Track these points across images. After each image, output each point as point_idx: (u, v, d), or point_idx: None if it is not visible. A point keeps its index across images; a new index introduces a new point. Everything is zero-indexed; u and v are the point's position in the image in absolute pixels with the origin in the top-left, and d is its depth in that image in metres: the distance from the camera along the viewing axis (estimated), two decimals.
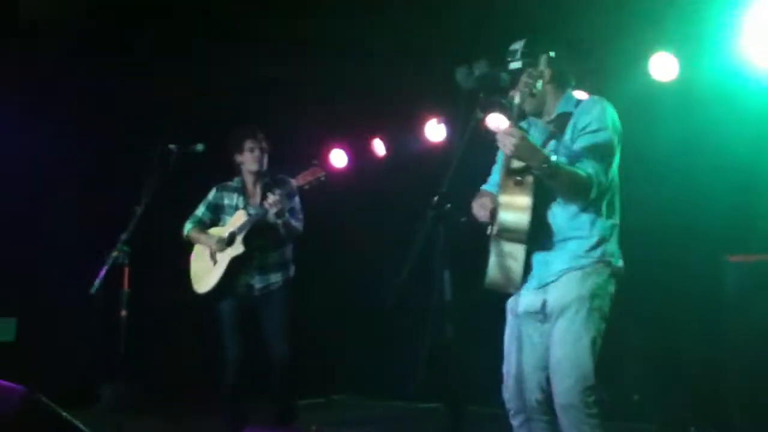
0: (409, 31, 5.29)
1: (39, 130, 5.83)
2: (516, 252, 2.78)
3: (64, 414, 2.41)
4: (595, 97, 2.93)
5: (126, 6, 5.34)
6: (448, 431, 2.58)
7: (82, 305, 3.74)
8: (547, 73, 2.78)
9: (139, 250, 3.55)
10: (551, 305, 2.80)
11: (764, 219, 4.42)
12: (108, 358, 3.71)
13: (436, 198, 2.53)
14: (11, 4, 5.18)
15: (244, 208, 4.35)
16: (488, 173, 3.16)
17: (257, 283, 4.30)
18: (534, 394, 2.85)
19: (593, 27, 4.56)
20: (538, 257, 2.84)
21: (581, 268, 2.79)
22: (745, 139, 4.48)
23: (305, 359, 4.36)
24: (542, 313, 2.83)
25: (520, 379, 2.86)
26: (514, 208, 2.75)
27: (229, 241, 4.25)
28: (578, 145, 2.81)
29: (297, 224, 4.33)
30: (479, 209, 2.93)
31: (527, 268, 2.82)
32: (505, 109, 2.94)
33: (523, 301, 2.89)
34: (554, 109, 2.94)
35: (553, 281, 2.81)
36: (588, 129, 2.81)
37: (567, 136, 2.85)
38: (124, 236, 3.54)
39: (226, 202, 4.44)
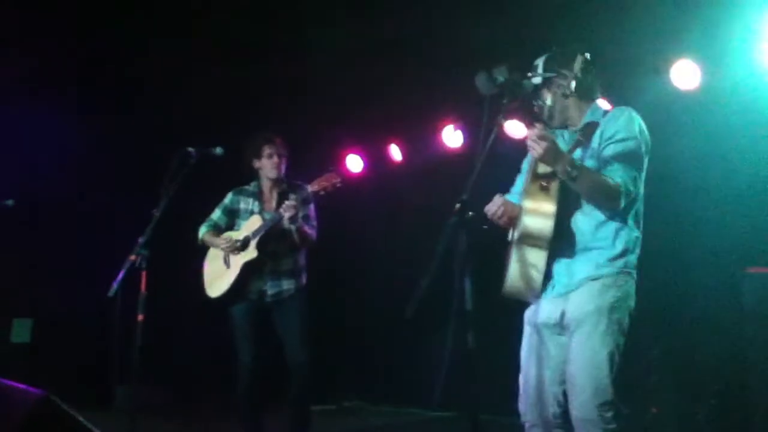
0: (426, 36, 5.28)
1: (57, 136, 5.86)
2: (537, 259, 2.74)
3: (79, 417, 2.40)
4: (623, 107, 2.90)
5: (148, 10, 5.38)
6: None
7: (99, 308, 3.74)
8: (580, 73, 2.72)
9: (158, 253, 3.54)
10: (569, 316, 2.76)
11: None
12: (123, 359, 3.71)
13: (457, 205, 2.48)
14: None
15: (260, 212, 4.34)
16: (509, 182, 3.11)
17: (269, 289, 4.28)
18: (551, 408, 2.81)
19: (615, 36, 4.52)
20: (559, 265, 2.80)
21: (602, 277, 2.75)
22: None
23: (321, 366, 4.34)
24: (560, 326, 2.79)
25: (537, 392, 2.82)
26: (539, 214, 2.72)
27: (243, 245, 4.25)
28: (606, 154, 2.77)
29: (311, 231, 4.31)
30: (494, 207, 2.82)
31: (547, 275, 2.78)
32: (531, 114, 2.91)
33: (542, 311, 2.85)
34: (580, 120, 2.91)
35: (573, 290, 2.77)
36: (615, 138, 2.77)
37: (594, 144, 2.82)
38: (142, 240, 3.53)
39: (242, 206, 4.43)
